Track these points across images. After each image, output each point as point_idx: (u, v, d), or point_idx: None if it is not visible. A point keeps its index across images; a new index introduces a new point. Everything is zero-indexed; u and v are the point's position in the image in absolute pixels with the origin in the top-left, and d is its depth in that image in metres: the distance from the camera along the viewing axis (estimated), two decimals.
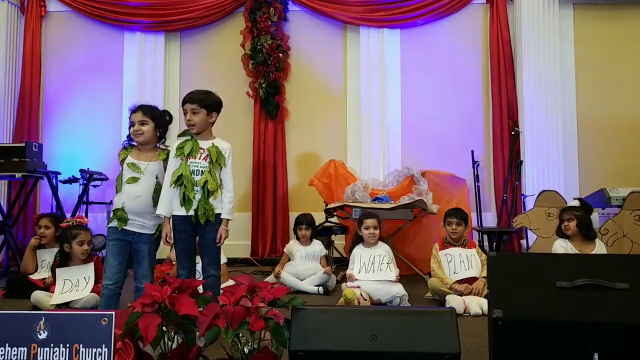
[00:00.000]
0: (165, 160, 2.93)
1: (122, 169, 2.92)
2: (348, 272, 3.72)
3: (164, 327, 1.91)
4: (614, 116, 5.77)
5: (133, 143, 2.98)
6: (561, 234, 3.80)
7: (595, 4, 5.83)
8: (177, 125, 5.94)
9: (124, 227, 2.86)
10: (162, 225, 2.89)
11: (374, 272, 3.62)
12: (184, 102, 2.91)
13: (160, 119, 2.97)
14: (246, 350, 1.93)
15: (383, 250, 3.74)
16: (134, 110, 2.95)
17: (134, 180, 2.87)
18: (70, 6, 6.04)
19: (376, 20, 5.97)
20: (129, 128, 2.94)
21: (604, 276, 1.91)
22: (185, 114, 2.90)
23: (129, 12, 6.00)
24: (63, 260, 3.51)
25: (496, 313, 1.88)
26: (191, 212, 2.80)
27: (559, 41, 5.71)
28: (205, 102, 2.90)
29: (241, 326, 1.87)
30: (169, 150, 2.95)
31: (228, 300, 1.92)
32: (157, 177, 2.91)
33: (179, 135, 2.98)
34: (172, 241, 2.87)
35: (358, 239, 3.85)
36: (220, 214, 2.86)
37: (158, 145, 3.00)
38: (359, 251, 3.77)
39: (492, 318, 1.89)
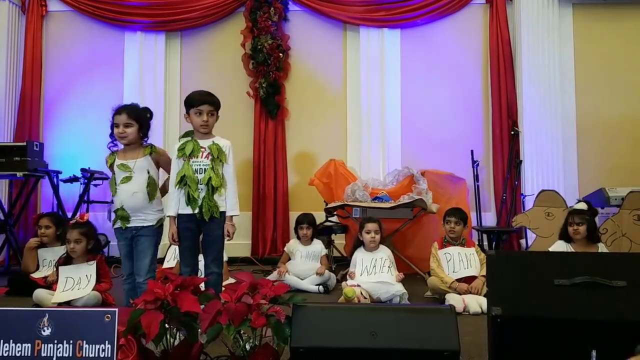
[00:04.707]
0: (151, 154, 2.96)
1: (113, 173, 2.97)
2: (350, 270, 3.75)
3: (166, 324, 1.93)
4: (613, 116, 5.79)
5: (117, 143, 3.02)
6: (566, 236, 3.56)
7: (595, 4, 5.83)
8: (177, 125, 6.00)
9: (127, 225, 2.91)
10: (169, 225, 2.94)
11: (375, 274, 3.64)
12: (203, 102, 2.92)
13: (144, 120, 2.99)
14: (248, 346, 1.95)
15: (384, 254, 3.76)
16: (118, 112, 2.95)
17: (127, 179, 2.91)
18: (71, 6, 6.05)
19: (376, 20, 5.98)
20: (112, 128, 2.95)
21: (602, 274, 1.93)
22: (200, 114, 2.91)
23: (130, 12, 6.01)
24: (68, 258, 3.53)
25: (495, 311, 1.90)
26: (197, 210, 2.85)
27: (558, 41, 5.73)
28: (219, 105, 3.00)
29: (243, 323, 1.89)
30: (152, 145, 3.01)
31: (230, 297, 1.94)
32: (148, 172, 2.93)
33: (182, 137, 3.01)
34: (177, 240, 2.92)
35: (359, 243, 3.85)
36: (224, 212, 2.92)
37: (142, 143, 3.03)
38: (360, 255, 3.78)
39: (491, 316, 1.92)
